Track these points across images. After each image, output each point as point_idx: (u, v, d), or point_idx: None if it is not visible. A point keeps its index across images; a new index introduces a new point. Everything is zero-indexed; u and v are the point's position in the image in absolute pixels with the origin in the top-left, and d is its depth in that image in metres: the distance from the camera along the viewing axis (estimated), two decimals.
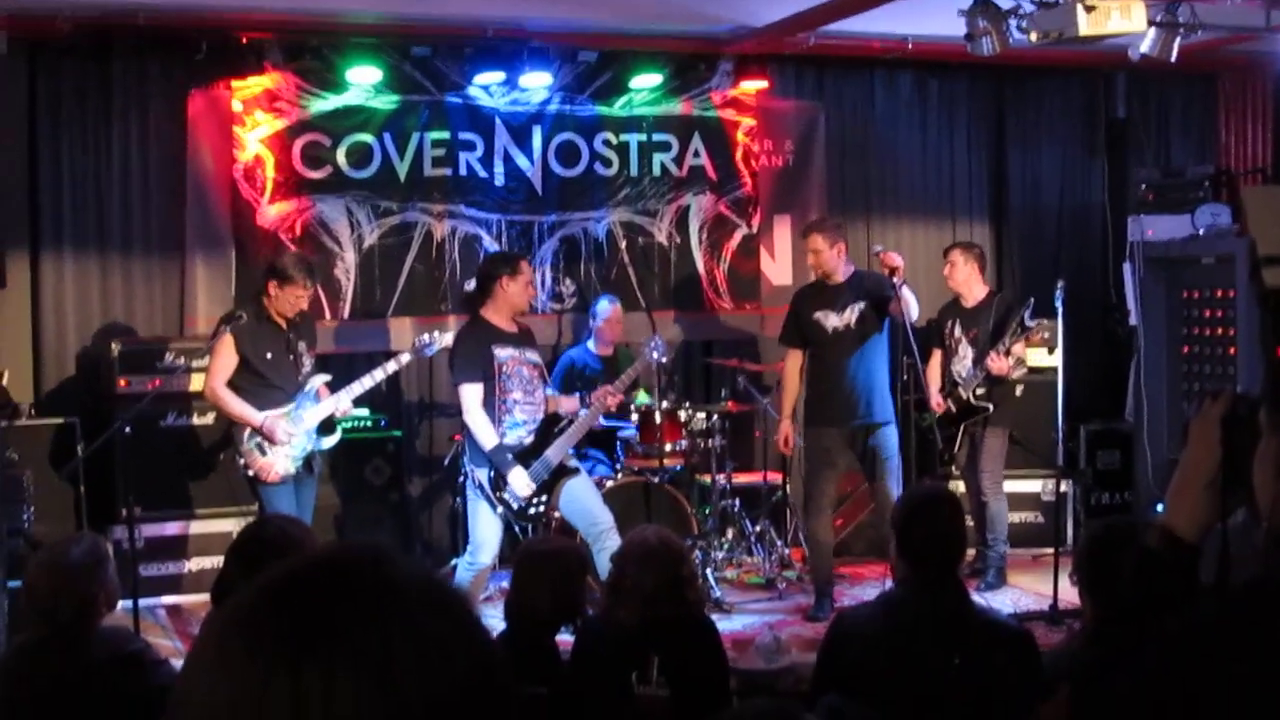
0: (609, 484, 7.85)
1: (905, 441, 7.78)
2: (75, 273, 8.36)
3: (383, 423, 8.56)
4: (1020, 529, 8.89)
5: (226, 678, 1.02)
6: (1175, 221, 8.65)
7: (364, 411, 8.25)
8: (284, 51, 8.52)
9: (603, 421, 7.85)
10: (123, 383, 7.82)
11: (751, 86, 9.53)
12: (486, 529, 7.02)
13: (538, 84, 8.97)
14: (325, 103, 8.70)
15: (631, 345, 8.67)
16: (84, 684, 3.81)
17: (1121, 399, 9.38)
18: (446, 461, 8.64)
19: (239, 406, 6.82)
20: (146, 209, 8.51)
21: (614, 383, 7.43)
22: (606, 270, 9.39)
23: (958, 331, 8.35)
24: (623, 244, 9.44)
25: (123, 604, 5.33)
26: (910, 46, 9.24)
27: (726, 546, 8.67)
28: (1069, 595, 6.61)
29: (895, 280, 7.30)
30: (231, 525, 7.67)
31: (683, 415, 8.31)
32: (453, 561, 7.81)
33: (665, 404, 8.11)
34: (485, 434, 6.90)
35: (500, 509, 6.97)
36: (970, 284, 8.38)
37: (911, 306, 7.42)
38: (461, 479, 7.65)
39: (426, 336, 7.39)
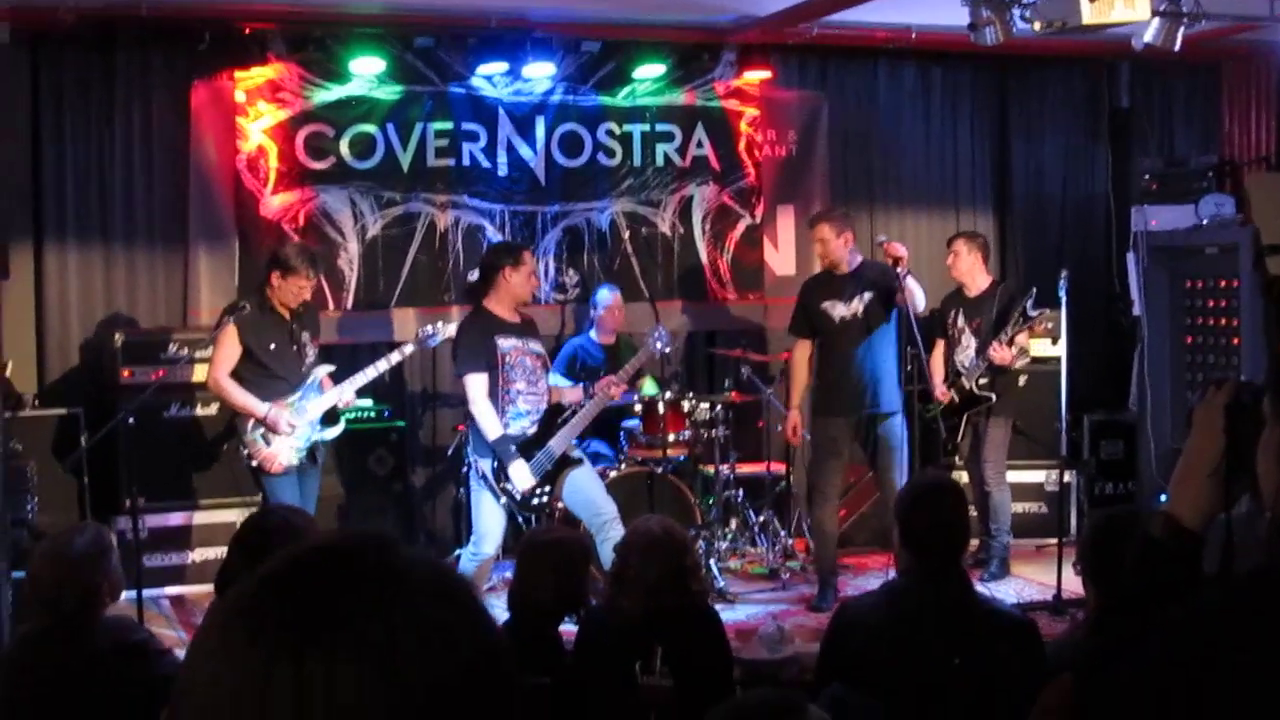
0: (612, 474, 7.86)
1: (909, 432, 7.78)
2: (78, 263, 8.36)
3: (386, 413, 8.56)
4: (1024, 519, 8.89)
5: (229, 666, 1.02)
6: (1179, 211, 8.64)
7: (367, 402, 8.25)
8: (287, 42, 8.51)
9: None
10: (126, 373, 7.81)
11: (755, 76, 9.52)
12: (490, 519, 7.03)
13: (541, 74, 8.96)
14: (328, 93, 8.70)
15: (634, 335, 8.67)
16: (87, 674, 3.82)
17: (1125, 389, 9.38)
18: (450, 452, 8.65)
19: (243, 397, 6.82)
20: (149, 200, 8.51)
21: (618, 373, 7.43)
22: (609, 261, 9.38)
23: (961, 321, 8.35)
24: (626, 234, 9.43)
25: (127, 595, 5.32)
26: (913, 36, 9.23)
27: (730, 537, 8.67)
28: (1073, 585, 6.62)
29: (899, 270, 7.30)
30: (235, 516, 7.68)
31: (686, 406, 8.31)
32: (456, 552, 7.81)
33: (669, 394, 8.12)
34: (490, 424, 6.90)
35: (503, 499, 6.97)
36: (973, 274, 8.37)
37: (917, 296, 7.42)
38: (465, 469, 7.65)
39: (430, 327, 7.39)
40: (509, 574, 5.16)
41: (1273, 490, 1.82)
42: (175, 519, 7.99)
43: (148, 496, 7.27)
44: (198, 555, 8.03)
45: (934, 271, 9.10)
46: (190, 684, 1.04)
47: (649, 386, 8.49)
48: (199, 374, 7.69)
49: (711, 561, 7.95)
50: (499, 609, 5.01)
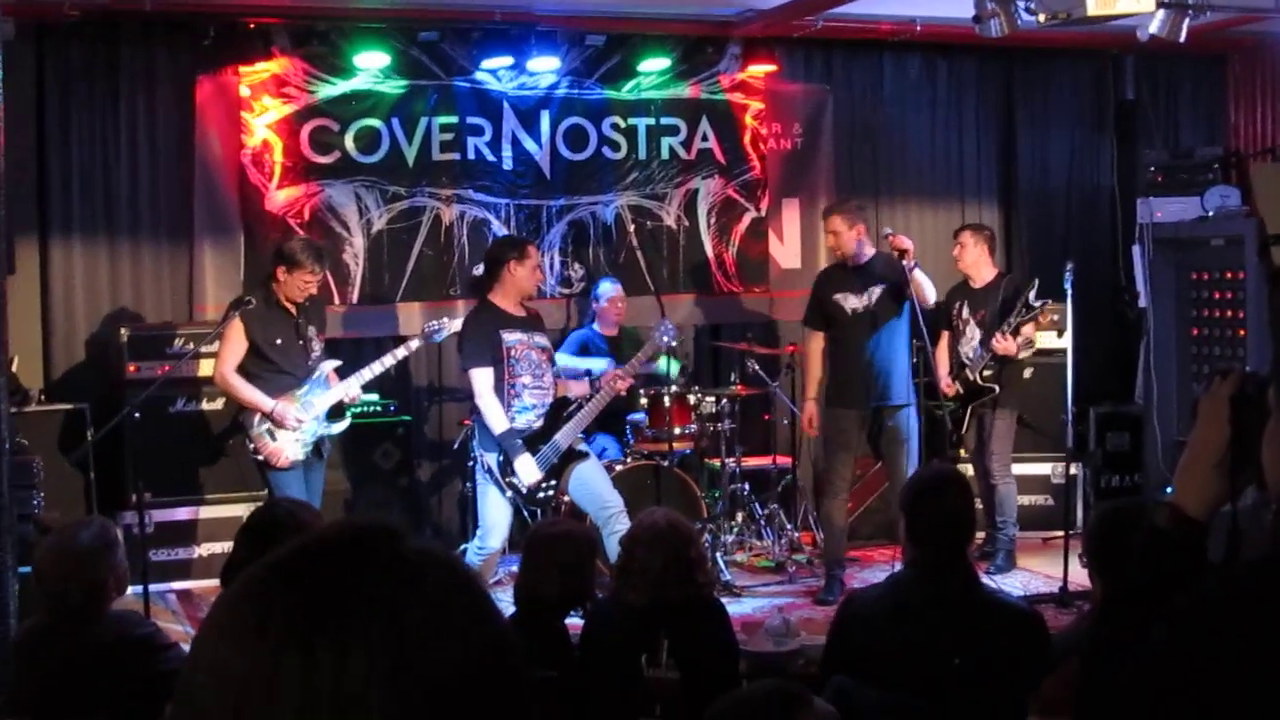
0: (618, 468, 7.86)
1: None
2: (84, 258, 8.36)
3: (392, 407, 8.57)
4: (1030, 512, 8.88)
5: (237, 653, 1.02)
6: (1184, 203, 8.63)
7: (373, 396, 8.25)
8: (291, 37, 8.51)
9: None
10: (132, 368, 7.82)
11: (759, 70, 9.51)
12: (496, 513, 7.03)
13: (545, 68, 8.95)
14: (333, 88, 8.70)
15: (641, 329, 8.67)
16: (93, 667, 3.83)
17: (1131, 381, 9.37)
18: (456, 446, 8.65)
19: (249, 392, 6.82)
20: (155, 195, 8.51)
21: (624, 366, 7.43)
22: (615, 254, 9.38)
23: (965, 313, 8.34)
24: (631, 228, 9.43)
25: (133, 589, 5.34)
26: (918, 29, 9.22)
27: (736, 530, 8.68)
28: (1079, 578, 6.61)
29: (906, 263, 7.30)
30: (241, 510, 7.66)
31: (692, 399, 8.31)
32: (462, 546, 7.82)
33: (674, 387, 8.11)
34: (497, 418, 6.90)
35: (509, 493, 6.97)
36: (979, 266, 8.37)
37: (926, 289, 7.43)
38: (471, 463, 7.65)
39: (435, 322, 7.39)
40: (515, 568, 5.16)
41: (1278, 481, 1.82)
42: (181, 514, 8.01)
43: (154, 491, 7.27)
44: (204, 550, 8.04)
45: (940, 263, 9.08)
46: (197, 671, 1.04)
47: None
48: (205, 369, 7.71)
49: (718, 554, 7.95)
50: (505, 603, 5.02)
